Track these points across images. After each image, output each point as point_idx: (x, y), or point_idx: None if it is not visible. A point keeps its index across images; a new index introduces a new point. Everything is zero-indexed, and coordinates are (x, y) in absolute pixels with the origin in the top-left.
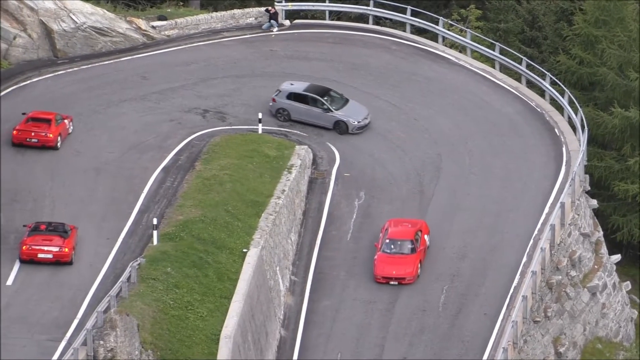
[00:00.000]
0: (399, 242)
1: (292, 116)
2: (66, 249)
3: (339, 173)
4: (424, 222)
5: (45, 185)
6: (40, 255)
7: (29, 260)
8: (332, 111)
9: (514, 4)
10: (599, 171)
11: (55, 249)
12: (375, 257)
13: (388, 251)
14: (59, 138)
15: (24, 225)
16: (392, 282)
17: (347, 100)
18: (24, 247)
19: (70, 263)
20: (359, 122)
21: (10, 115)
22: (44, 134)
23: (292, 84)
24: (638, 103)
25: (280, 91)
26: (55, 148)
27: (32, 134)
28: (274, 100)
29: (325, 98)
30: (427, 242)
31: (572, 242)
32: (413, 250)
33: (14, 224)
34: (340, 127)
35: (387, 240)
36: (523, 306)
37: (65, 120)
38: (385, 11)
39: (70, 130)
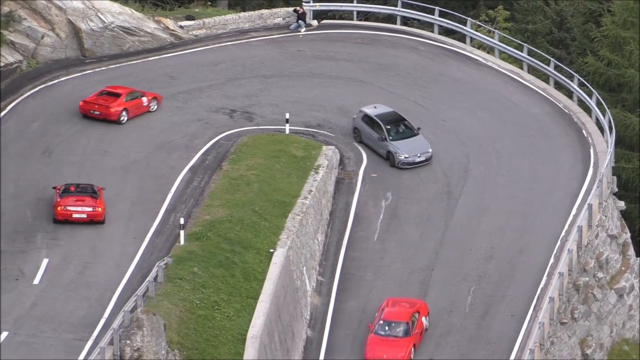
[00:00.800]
0: (393, 324)
1: (362, 138)
2: (99, 209)
3: (366, 173)
4: (424, 303)
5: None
6: (75, 216)
7: (64, 221)
8: (386, 140)
9: (542, 5)
10: (626, 173)
11: (89, 209)
12: (367, 338)
13: (381, 333)
14: (123, 113)
15: (53, 188)
16: None
17: (414, 134)
18: (58, 208)
19: (102, 222)
20: (406, 157)
21: (37, 114)
22: (106, 107)
23: (375, 107)
24: None
25: (361, 111)
26: (118, 122)
27: (96, 106)
28: (354, 118)
29: (389, 127)
30: (425, 325)
31: (599, 243)
32: (407, 333)
33: (42, 222)
34: (390, 158)
35: (381, 322)
36: (550, 308)
37: (144, 98)
38: (413, 12)
39: (151, 109)
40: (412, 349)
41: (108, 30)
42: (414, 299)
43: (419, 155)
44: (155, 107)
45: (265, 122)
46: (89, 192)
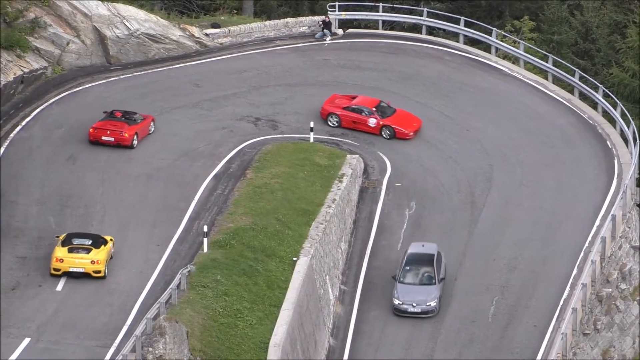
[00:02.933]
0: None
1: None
2: (126, 134)
3: (390, 183)
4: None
5: (96, 191)
6: (104, 138)
7: (95, 142)
8: (395, 279)
9: (568, 16)
10: None
11: (118, 133)
12: None
13: None
14: (135, 137)
15: (104, 112)
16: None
17: (429, 283)
18: (90, 130)
19: (131, 147)
20: (399, 303)
21: (62, 120)
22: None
23: (422, 245)
24: None
25: (406, 251)
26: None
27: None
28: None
29: (408, 267)
30: None
31: (622, 254)
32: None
33: (66, 229)
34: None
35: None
36: (573, 318)
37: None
38: (438, 21)
39: (150, 131)
40: None
41: (133, 37)
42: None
43: (414, 305)
44: (152, 129)
45: (289, 131)
46: (130, 119)
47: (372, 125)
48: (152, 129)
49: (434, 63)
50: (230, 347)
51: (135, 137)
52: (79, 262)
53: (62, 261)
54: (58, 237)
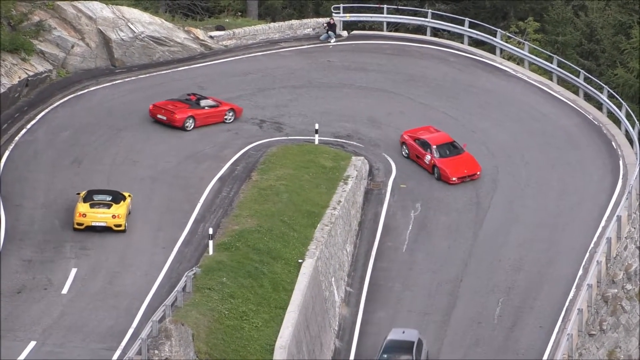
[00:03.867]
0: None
1: None
2: (177, 116)
3: (395, 184)
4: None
5: None
6: (159, 116)
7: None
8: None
9: (572, 17)
10: None
11: (170, 113)
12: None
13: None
14: (188, 120)
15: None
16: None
17: None
18: (150, 107)
19: (183, 129)
20: None
21: (67, 123)
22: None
23: (403, 332)
24: None
25: (385, 337)
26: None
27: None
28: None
29: (386, 356)
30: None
31: (628, 255)
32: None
33: (71, 231)
34: None
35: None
36: (578, 319)
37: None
38: (443, 23)
39: (227, 119)
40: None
41: (138, 40)
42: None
43: None
44: (231, 118)
45: (294, 133)
46: (191, 102)
47: (427, 162)
48: (231, 119)
49: (439, 64)
50: (236, 349)
51: (188, 120)
52: (101, 216)
53: (85, 216)
54: (79, 194)
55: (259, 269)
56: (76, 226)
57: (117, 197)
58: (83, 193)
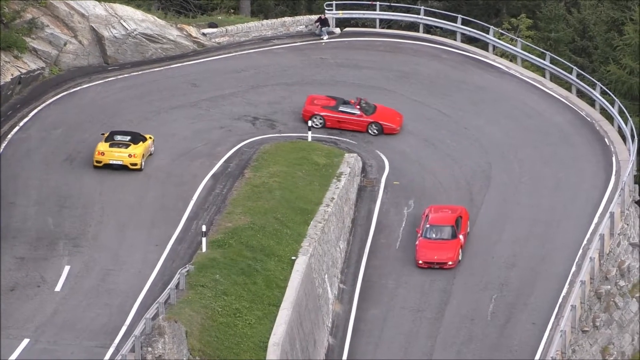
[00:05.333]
0: (440, 228)
1: None
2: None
3: (388, 181)
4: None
5: (94, 192)
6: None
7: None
8: None
9: (565, 14)
10: None
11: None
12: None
13: (430, 237)
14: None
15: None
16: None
17: None
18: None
19: None
20: None
21: (60, 121)
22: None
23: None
24: None
25: None
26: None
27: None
28: None
29: None
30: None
31: (621, 252)
32: (454, 235)
33: (64, 229)
34: None
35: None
36: (572, 316)
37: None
38: (436, 20)
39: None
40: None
41: (131, 37)
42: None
43: None
44: None
45: (287, 130)
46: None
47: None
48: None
49: (432, 61)
50: (230, 346)
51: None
52: (118, 155)
53: (103, 154)
54: (103, 134)
55: (252, 266)
56: (95, 164)
57: (136, 138)
58: (106, 134)
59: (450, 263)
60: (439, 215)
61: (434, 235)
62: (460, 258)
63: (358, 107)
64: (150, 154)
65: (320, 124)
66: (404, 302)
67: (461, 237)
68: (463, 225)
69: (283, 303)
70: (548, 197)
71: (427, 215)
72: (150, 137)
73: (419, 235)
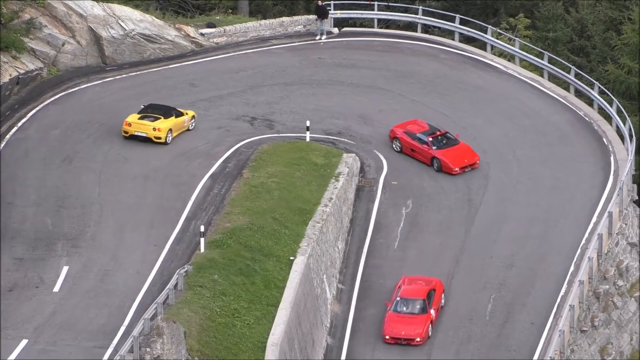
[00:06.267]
0: (410, 301)
1: None
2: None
3: (386, 181)
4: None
5: (92, 192)
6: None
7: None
8: None
9: (563, 13)
10: None
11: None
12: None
13: (399, 310)
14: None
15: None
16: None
17: None
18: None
19: None
20: None
21: (58, 121)
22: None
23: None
24: None
25: None
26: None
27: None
28: None
29: None
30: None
31: (619, 251)
32: (424, 310)
33: (62, 230)
34: None
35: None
36: (570, 315)
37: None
38: (434, 20)
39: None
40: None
41: (129, 37)
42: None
43: None
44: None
45: (285, 130)
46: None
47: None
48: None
49: (430, 61)
50: (228, 346)
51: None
52: (143, 127)
53: (130, 125)
54: (143, 106)
55: (250, 267)
56: (123, 134)
57: (168, 113)
58: (145, 105)
59: (418, 339)
60: (410, 288)
61: (403, 309)
62: (429, 333)
63: (431, 138)
64: (188, 130)
65: (399, 148)
66: None
67: (432, 311)
68: (436, 299)
69: (281, 303)
70: (546, 197)
71: (399, 287)
72: (187, 113)
73: (388, 308)
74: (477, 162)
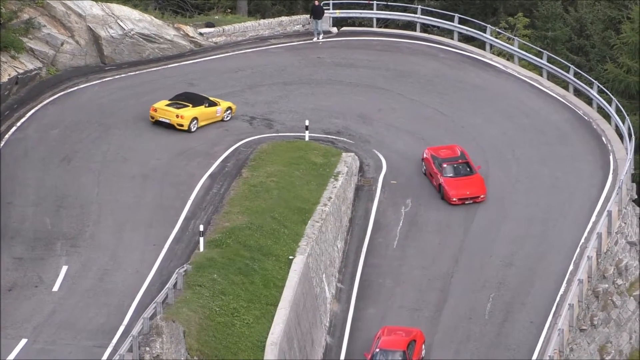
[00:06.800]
0: (389, 353)
1: None
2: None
3: (385, 180)
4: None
5: (91, 192)
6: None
7: None
8: None
9: (562, 12)
10: None
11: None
12: None
13: None
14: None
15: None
16: None
17: None
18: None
19: None
20: None
21: (57, 121)
22: None
23: None
24: None
25: None
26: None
27: None
28: None
29: None
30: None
31: (618, 250)
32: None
33: (61, 229)
34: None
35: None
36: (569, 314)
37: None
38: (433, 19)
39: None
40: None
41: (128, 37)
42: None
43: None
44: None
45: (284, 129)
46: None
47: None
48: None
49: (429, 60)
50: (227, 346)
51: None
52: (167, 114)
53: (156, 111)
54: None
55: (249, 266)
56: (150, 119)
57: (198, 102)
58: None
59: (482, 196)
60: (390, 339)
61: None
62: None
63: (445, 164)
64: (223, 120)
65: (424, 170)
66: (402, 301)
67: None
68: (416, 350)
69: (281, 302)
70: (545, 196)
71: (378, 338)
72: (219, 103)
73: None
74: (482, 196)
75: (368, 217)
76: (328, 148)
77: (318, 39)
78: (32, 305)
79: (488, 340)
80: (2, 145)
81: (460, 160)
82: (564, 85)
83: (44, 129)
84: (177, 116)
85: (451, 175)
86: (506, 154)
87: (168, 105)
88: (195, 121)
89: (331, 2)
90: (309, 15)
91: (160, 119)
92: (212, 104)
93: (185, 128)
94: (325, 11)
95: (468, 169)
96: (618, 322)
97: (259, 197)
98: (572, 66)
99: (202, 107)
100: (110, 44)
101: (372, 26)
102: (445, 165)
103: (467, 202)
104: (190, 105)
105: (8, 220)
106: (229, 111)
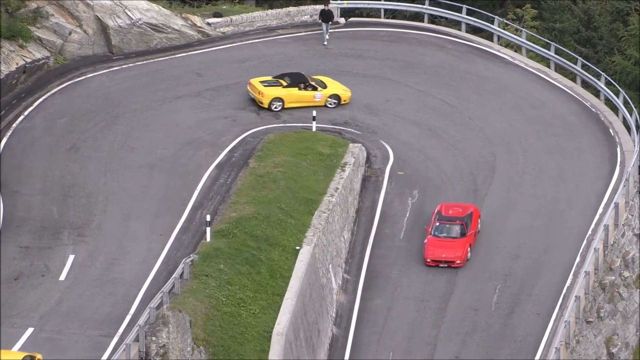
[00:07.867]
0: (449, 226)
1: None
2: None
3: (392, 171)
4: (475, 207)
5: (98, 181)
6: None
7: None
8: None
9: (570, 4)
10: None
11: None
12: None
13: (439, 234)
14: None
15: None
16: (441, 265)
17: None
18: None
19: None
20: None
21: (64, 110)
22: None
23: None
24: None
25: None
26: None
27: None
28: None
29: None
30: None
31: (625, 242)
32: (463, 234)
33: (68, 219)
34: None
35: (438, 224)
36: (576, 306)
37: None
38: (440, 10)
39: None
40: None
41: (135, 27)
42: (466, 204)
43: None
44: None
45: (292, 120)
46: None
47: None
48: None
49: (436, 51)
50: (234, 336)
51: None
52: (254, 90)
53: (249, 85)
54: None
55: (256, 256)
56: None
57: (294, 84)
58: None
59: (458, 262)
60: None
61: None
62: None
63: (438, 223)
64: (325, 106)
65: (430, 224)
66: (408, 292)
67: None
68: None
69: (287, 293)
70: (552, 188)
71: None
72: (319, 89)
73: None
74: (458, 261)
75: (375, 208)
76: (335, 139)
77: (325, 37)
78: (38, 294)
79: (494, 331)
80: (9, 134)
81: (457, 222)
82: (572, 77)
83: (51, 118)
84: (259, 93)
85: (437, 234)
86: (513, 146)
87: (262, 82)
88: (278, 101)
89: None
90: (318, 20)
91: (250, 95)
92: (313, 87)
93: (265, 106)
94: (333, 2)
95: (459, 232)
96: (624, 314)
97: (265, 187)
98: (579, 58)
99: (295, 89)
100: (118, 34)
101: (379, 17)
102: (437, 224)
103: (441, 265)
104: (283, 85)
105: (15, 209)
106: (334, 99)
